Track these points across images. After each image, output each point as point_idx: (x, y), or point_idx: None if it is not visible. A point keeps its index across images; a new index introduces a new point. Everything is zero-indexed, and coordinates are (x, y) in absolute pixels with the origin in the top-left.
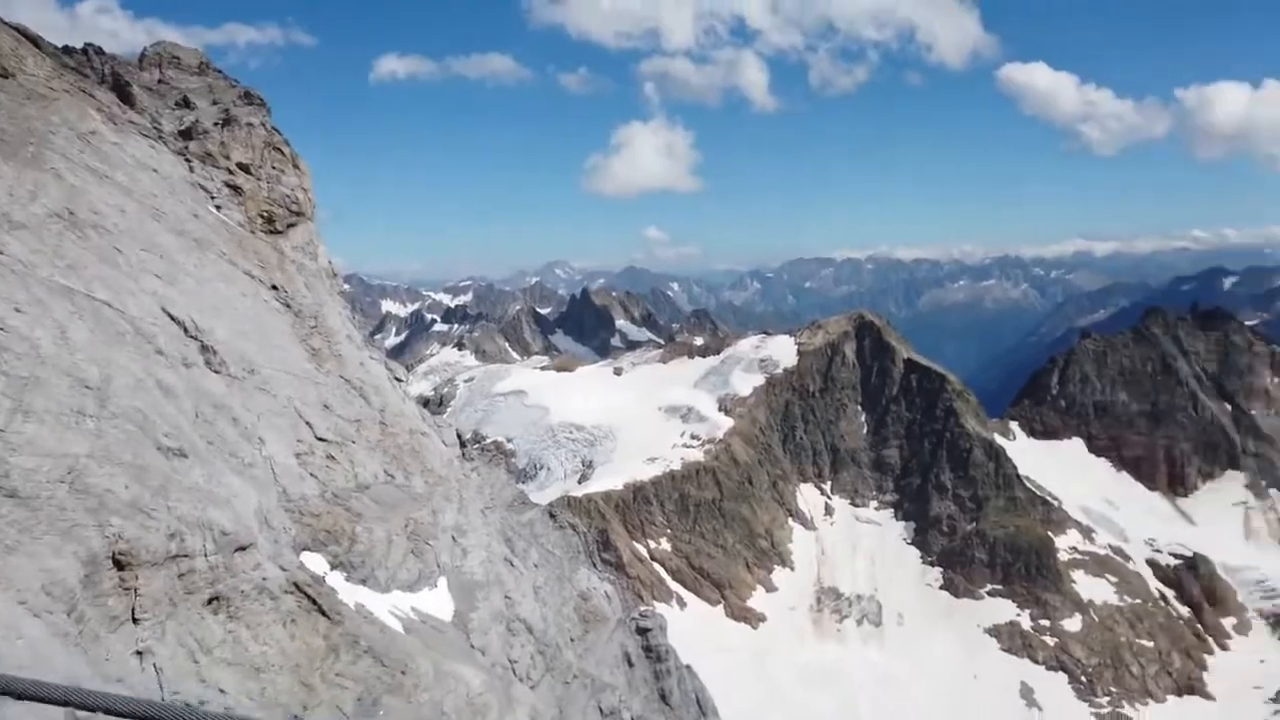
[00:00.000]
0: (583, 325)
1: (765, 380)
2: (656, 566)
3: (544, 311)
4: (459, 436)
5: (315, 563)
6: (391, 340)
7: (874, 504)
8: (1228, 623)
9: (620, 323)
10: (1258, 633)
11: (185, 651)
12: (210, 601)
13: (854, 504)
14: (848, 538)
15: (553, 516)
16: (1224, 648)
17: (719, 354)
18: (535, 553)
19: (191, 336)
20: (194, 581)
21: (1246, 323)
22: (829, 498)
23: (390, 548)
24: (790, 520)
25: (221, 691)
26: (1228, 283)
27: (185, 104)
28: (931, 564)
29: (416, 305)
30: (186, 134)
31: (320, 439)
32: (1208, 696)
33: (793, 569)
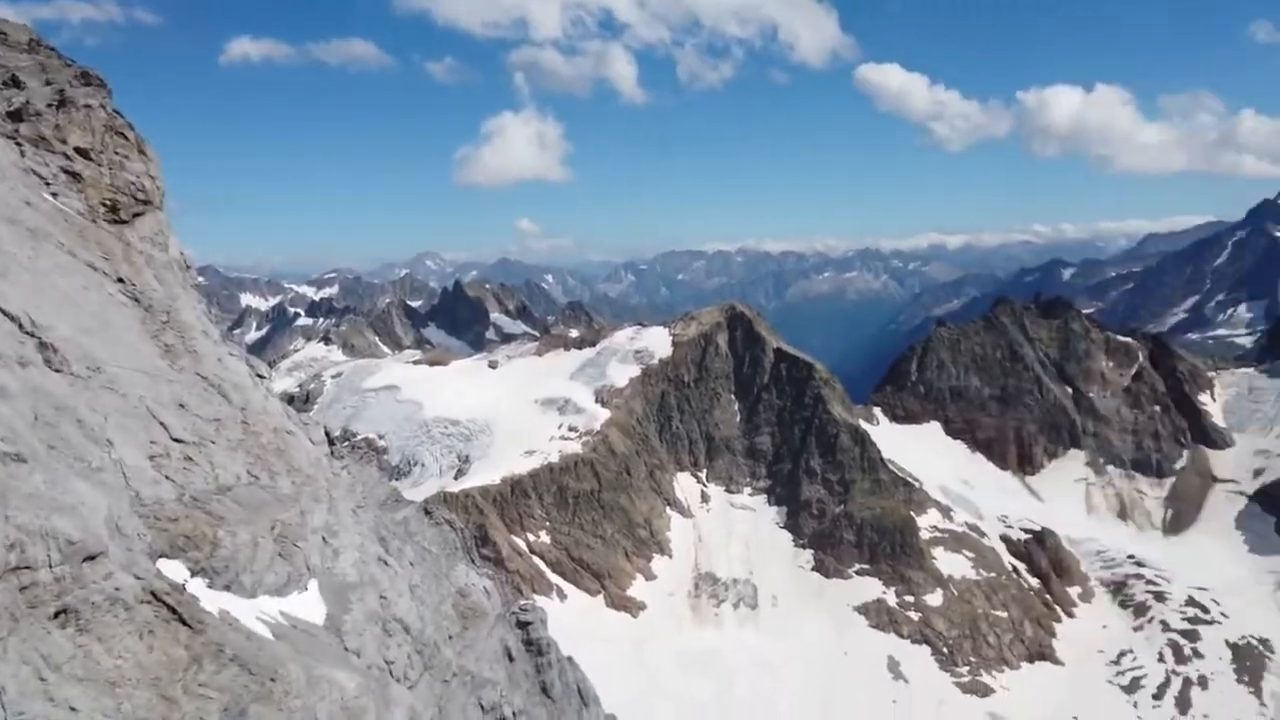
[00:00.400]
0: (456, 318)
1: (641, 371)
2: (536, 559)
3: (415, 304)
4: (327, 434)
5: (174, 570)
6: (252, 335)
7: (748, 490)
8: (1073, 592)
9: (494, 315)
10: (1099, 600)
11: (30, 669)
12: (57, 615)
13: (729, 491)
14: (723, 524)
15: (428, 513)
16: (1070, 615)
17: (595, 346)
18: (411, 551)
19: (28, 333)
20: (38, 594)
21: (1084, 311)
22: (705, 485)
23: (256, 551)
24: (668, 509)
25: (73, 710)
26: (1067, 274)
27: (14, 83)
28: (803, 546)
29: (278, 299)
30: (16, 116)
31: (176, 440)
32: (1057, 662)
33: (671, 557)
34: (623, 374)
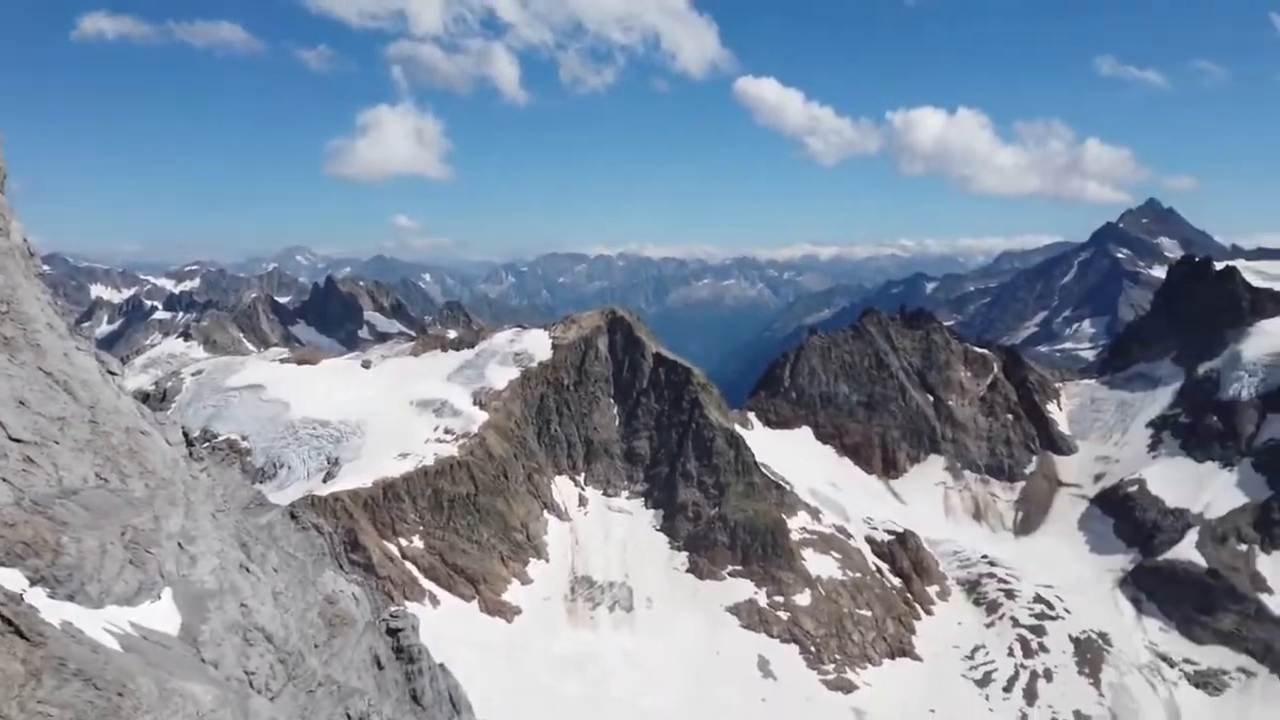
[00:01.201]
0: (327, 316)
1: (520, 374)
2: (409, 565)
3: (283, 300)
4: (185, 435)
5: (11, 579)
6: (103, 329)
7: (625, 493)
8: (932, 590)
9: (368, 314)
10: (956, 598)
11: None
12: None
13: (606, 494)
14: (601, 527)
15: (294, 518)
16: (929, 613)
17: (473, 347)
18: (275, 557)
19: None
20: None
21: (945, 323)
22: (583, 489)
23: (104, 558)
24: (545, 512)
25: None
26: (929, 287)
27: None
28: (679, 549)
29: (133, 290)
30: None
31: (15, 439)
32: (916, 657)
33: (548, 560)
34: (501, 376)
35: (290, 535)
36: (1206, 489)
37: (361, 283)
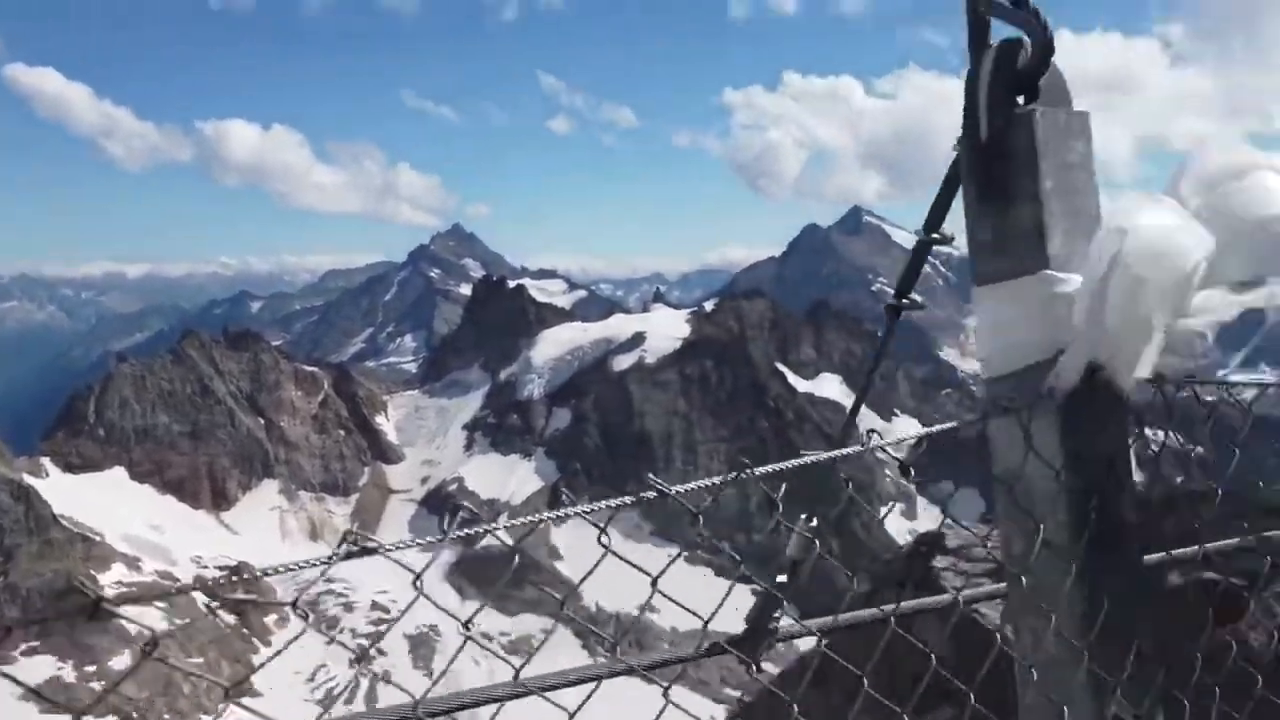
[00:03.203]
0: None
1: None
2: None
3: None
4: None
5: None
6: None
7: None
8: (270, 620)
9: None
10: (295, 623)
11: None
12: None
13: None
14: None
15: None
16: (267, 644)
17: None
18: None
19: None
20: None
21: (273, 343)
22: None
23: None
24: None
25: None
26: (255, 306)
27: None
28: None
29: None
30: None
31: None
32: (256, 694)
33: None
34: None
35: None
36: (513, 478)
37: None
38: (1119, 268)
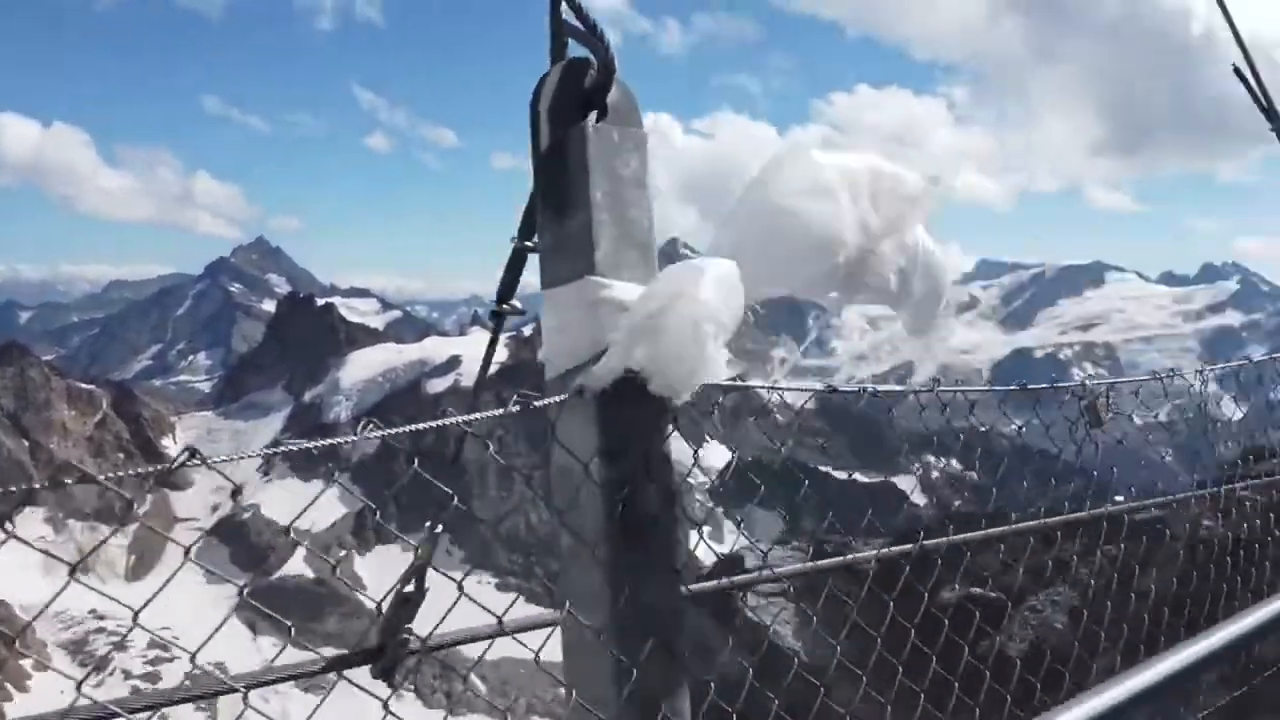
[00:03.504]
0: None
1: None
2: None
3: None
4: None
5: None
6: None
7: None
8: (27, 664)
9: None
10: (58, 664)
11: None
12: None
13: None
14: None
15: None
16: (24, 690)
17: None
18: None
19: None
20: None
21: (44, 358)
22: None
23: None
24: None
25: None
26: (24, 317)
27: None
28: None
29: None
30: None
31: None
32: None
33: None
34: None
35: None
36: (315, 505)
37: None
38: (687, 299)
